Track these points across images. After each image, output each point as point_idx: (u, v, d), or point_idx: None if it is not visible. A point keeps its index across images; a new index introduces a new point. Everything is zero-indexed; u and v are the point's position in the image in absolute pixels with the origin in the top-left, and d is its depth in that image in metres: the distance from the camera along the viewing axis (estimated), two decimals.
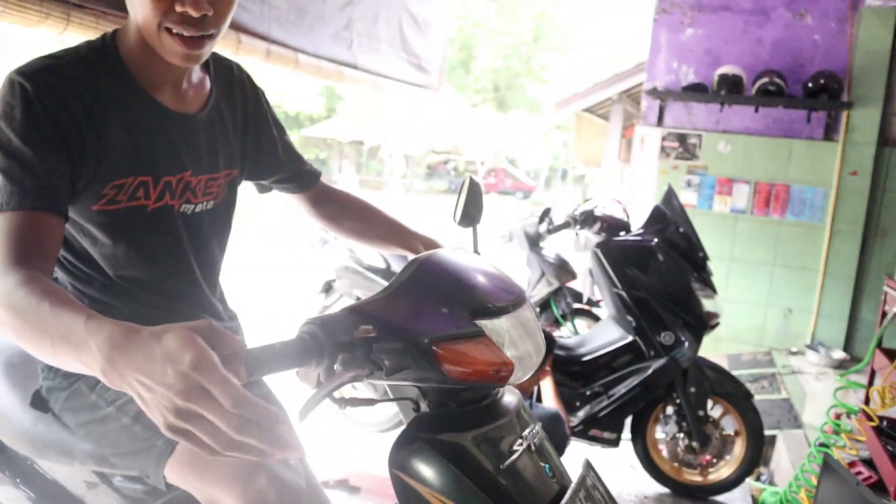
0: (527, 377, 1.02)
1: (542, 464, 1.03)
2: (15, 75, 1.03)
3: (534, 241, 4.38)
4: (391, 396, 1.09)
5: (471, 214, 1.37)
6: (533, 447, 1.03)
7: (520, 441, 1.01)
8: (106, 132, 1.11)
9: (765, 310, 5.20)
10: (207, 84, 1.29)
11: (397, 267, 3.26)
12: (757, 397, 3.97)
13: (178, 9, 1.04)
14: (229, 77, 1.36)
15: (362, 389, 3.13)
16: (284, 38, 3.00)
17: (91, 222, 1.16)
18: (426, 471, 0.95)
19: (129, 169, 1.15)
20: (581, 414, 2.92)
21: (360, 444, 3.48)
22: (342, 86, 4.04)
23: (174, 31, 1.06)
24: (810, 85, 4.72)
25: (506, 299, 1.00)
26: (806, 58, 4.92)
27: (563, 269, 4.33)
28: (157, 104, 1.19)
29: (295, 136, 28.03)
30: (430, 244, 1.44)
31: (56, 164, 1.03)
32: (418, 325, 0.93)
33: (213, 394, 0.64)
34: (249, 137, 1.40)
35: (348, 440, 3.50)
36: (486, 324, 0.96)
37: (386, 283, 3.02)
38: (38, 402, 1.31)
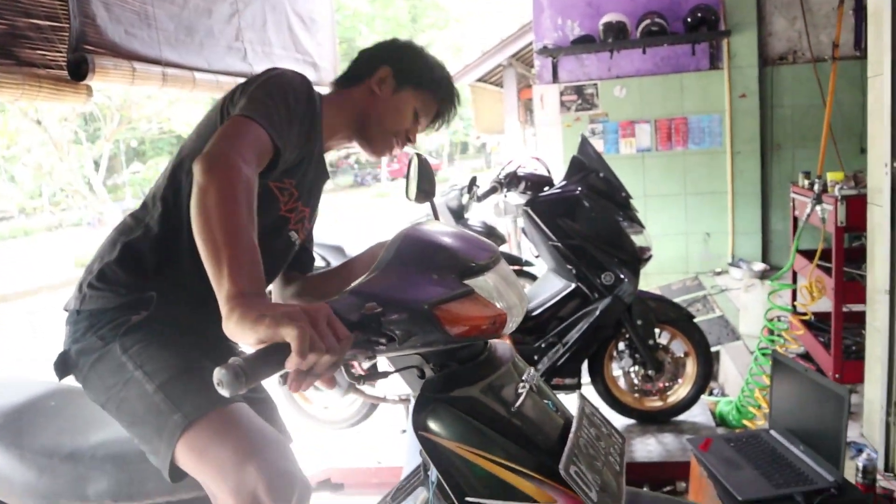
0: (517, 325, 1.09)
1: (546, 401, 1.10)
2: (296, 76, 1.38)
3: (458, 214, 4.43)
4: (393, 369, 1.14)
5: (425, 190, 1.44)
6: (534, 388, 1.10)
7: (522, 384, 1.08)
8: (308, 145, 1.40)
9: (685, 238, 5.47)
10: None
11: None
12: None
13: (415, 129, 1.54)
14: None
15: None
16: (178, 59, 2.90)
17: None
18: (447, 426, 1.01)
19: (296, 177, 1.43)
20: (541, 367, 3.02)
21: (332, 443, 3.50)
22: None
23: (397, 140, 1.53)
24: (689, 20, 4.97)
25: (485, 257, 1.06)
26: None
27: (492, 235, 4.42)
28: (320, 147, 1.50)
29: None
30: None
31: (290, 128, 1.29)
32: (414, 294, 0.98)
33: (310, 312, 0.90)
34: None
35: (318, 441, 3.51)
36: (473, 282, 1.02)
37: None
38: (61, 366, 1.35)
